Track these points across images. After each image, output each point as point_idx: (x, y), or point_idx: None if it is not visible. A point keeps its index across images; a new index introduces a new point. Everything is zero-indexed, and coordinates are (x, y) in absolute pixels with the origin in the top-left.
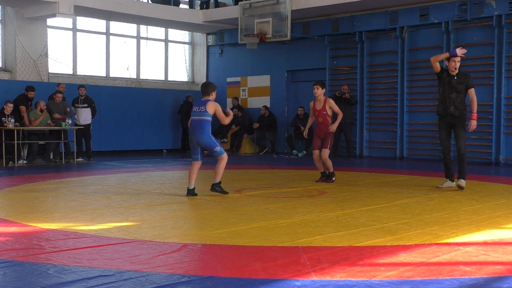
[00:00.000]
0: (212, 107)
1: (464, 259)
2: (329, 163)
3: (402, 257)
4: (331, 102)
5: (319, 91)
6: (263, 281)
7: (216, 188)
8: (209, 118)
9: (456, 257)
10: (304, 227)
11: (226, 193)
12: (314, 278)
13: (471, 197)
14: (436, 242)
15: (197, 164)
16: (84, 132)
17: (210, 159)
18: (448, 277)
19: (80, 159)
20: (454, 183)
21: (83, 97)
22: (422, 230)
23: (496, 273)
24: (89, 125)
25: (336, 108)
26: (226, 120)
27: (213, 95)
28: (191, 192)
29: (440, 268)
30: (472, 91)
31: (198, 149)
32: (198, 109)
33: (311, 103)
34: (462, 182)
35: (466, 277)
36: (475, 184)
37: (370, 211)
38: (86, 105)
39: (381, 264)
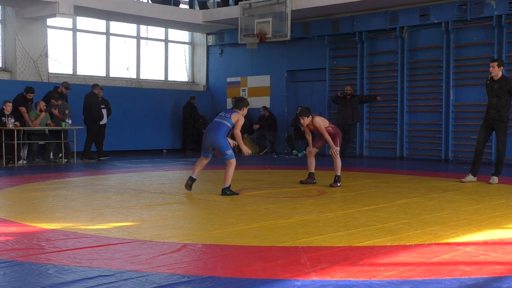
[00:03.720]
0: (236, 117)
1: (464, 259)
2: (338, 162)
3: (402, 257)
4: (316, 121)
5: (306, 121)
6: (263, 281)
7: (227, 192)
8: (229, 125)
9: (456, 257)
10: (304, 227)
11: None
12: (314, 278)
13: (471, 197)
14: (436, 242)
15: (205, 160)
16: (100, 132)
17: (213, 159)
18: (448, 277)
19: (93, 160)
20: (476, 178)
21: (100, 99)
22: (422, 230)
23: (496, 273)
24: (104, 125)
25: (321, 129)
26: (238, 131)
27: (244, 111)
28: (191, 179)
29: (440, 268)
30: None
31: (210, 150)
32: (224, 115)
33: (303, 127)
34: (494, 179)
35: (466, 277)
36: (475, 184)
37: (370, 211)
38: (103, 106)
39: (381, 264)
